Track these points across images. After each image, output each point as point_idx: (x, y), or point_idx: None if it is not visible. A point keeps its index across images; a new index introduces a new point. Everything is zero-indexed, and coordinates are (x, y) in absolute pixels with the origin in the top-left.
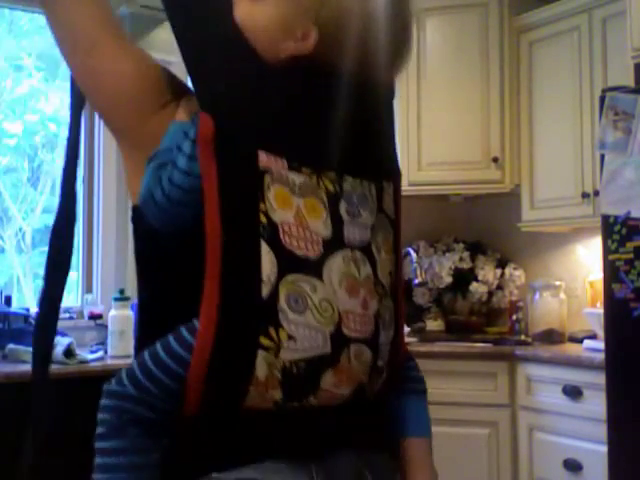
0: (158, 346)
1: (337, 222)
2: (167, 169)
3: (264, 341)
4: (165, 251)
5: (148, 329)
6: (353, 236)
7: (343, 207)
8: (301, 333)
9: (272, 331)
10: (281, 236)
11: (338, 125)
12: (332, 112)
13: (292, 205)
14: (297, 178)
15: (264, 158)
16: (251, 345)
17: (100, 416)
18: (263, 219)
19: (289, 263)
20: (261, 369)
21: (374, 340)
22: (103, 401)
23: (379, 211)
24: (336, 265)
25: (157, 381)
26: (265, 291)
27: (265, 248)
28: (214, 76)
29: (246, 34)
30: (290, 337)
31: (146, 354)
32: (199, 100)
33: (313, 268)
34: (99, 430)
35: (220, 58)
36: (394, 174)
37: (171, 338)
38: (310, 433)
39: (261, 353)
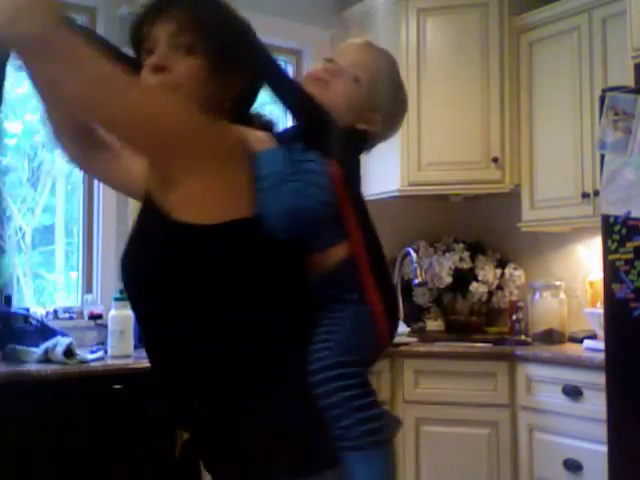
0: (350, 332)
1: None
2: (309, 192)
3: None
4: (290, 260)
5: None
6: None
7: None
8: None
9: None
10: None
11: None
12: None
13: None
14: None
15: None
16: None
17: (343, 383)
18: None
19: None
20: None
21: None
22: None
23: None
24: None
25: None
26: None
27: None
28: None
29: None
30: None
31: (348, 339)
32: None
33: None
34: (352, 392)
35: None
36: None
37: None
38: None
39: None
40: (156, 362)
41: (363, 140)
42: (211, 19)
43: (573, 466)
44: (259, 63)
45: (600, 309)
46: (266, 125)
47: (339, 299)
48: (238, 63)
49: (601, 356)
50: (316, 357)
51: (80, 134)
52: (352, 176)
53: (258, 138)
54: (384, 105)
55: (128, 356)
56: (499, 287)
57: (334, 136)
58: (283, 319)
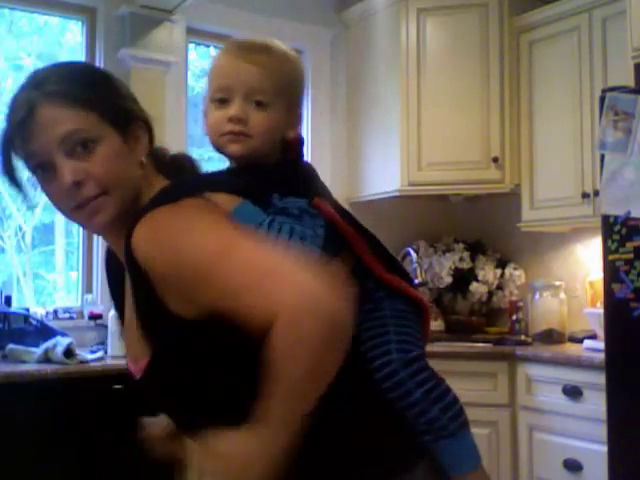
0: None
1: None
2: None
3: None
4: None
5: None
6: None
7: None
8: None
9: None
10: None
11: None
12: None
13: None
14: None
15: None
16: None
17: (419, 378)
18: None
19: None
20: None
21: None
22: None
23: None
24: None
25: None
26: None
27: None
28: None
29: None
30: None
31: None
32: (308, 195)
33: None
34: (428, 386)
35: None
36: None
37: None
38: None
39: None
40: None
41: (299, 147)
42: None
43: (573, 466)
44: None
45: (600, 309)
46: (182, 164)
47: (368, 299)
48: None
49: (601, 356)
50: (383, 362)
51: None
52: (318, 188)
53: (224, 200)
54: (300, 93)
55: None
56: (499, 287)
57: (279, 175)
58: None
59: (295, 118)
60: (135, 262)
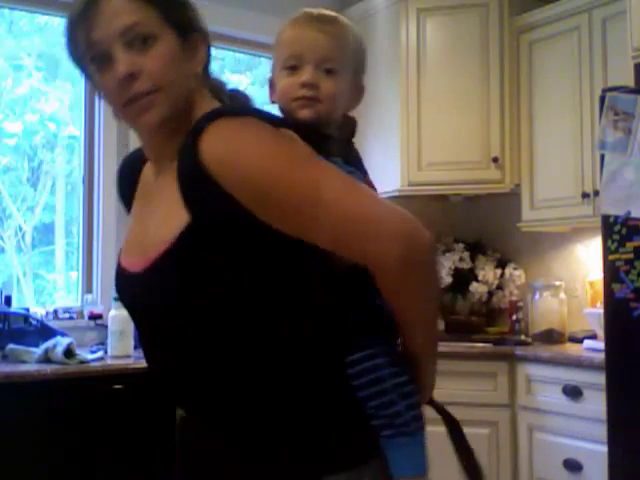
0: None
1: None
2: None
3: None
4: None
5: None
6: None
7: None
8: None
9: None
10: None
11: None
12: None
13: None
14: None
15: None
16: None
17: (394, 369)
18: None
19: None
20: None
21: None
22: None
23: None
24: None
25: None
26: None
27: None
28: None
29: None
30: None
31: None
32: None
33: None
34: (401, 379)
35: None
36: None
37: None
38: None
39: None
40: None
41: (354, 126)
42: None
43: (573, 466)
44: None
45: (600, 309)
46: (240, 97)
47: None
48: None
49: (601, 356)
50: (361, 345)
51: None
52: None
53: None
54: (362, 65)
55: (128, 356)
56: (499, 287)
57: (338, 145)
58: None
59: (357, 91)
60: (205, 177)
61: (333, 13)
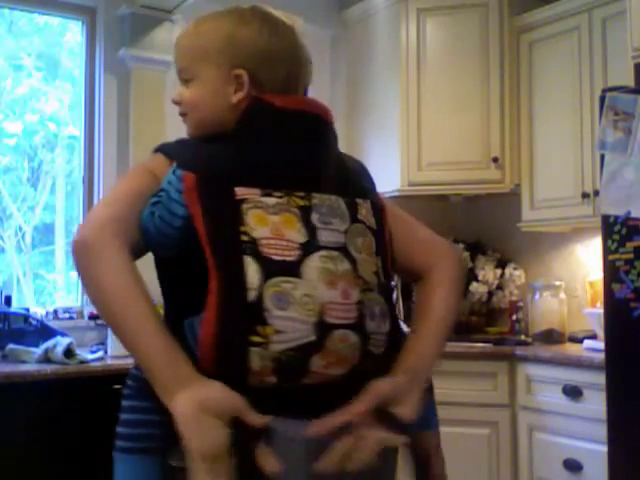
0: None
1: (311, 229)
2: (158, 208)
3: (254, 338)
4: (169, 271)
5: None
6: (327, 239)
7: (315, 217)
8: (287, 326)
9: (260, 329)
10: (260, 248)
11: (302, 155)
12: (294, 146)
13: (268, 222)
14: (270, 201)
15: (240, 191)
16: (243, 343)
17: (128, 383)
18: (244, 237)
19: (271, 268)
20: (254, 362)
21: (359, 326)
22: (131, 372)
23: (354, 220)
24: (313, 263)
25: None
26: (251, 296)
27: (248, 260)
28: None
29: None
30: (277, 331)
31: None
32: (182, 164)
33: (292, 269)
34: (125, 392)
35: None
36: (366, 195)
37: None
38: (307, 404)
39: (252, 349)
40: None
41: (248, 111)
42: None
43: (573, 466)
44: None
45: (600, 309)
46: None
47: None
48: None
49: (601, 356)
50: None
51: None
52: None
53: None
54: (221, 54)
55: (128, 356)
56: (499, 287)
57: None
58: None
59: (234, 80)
60: None
61: (213, 13)
